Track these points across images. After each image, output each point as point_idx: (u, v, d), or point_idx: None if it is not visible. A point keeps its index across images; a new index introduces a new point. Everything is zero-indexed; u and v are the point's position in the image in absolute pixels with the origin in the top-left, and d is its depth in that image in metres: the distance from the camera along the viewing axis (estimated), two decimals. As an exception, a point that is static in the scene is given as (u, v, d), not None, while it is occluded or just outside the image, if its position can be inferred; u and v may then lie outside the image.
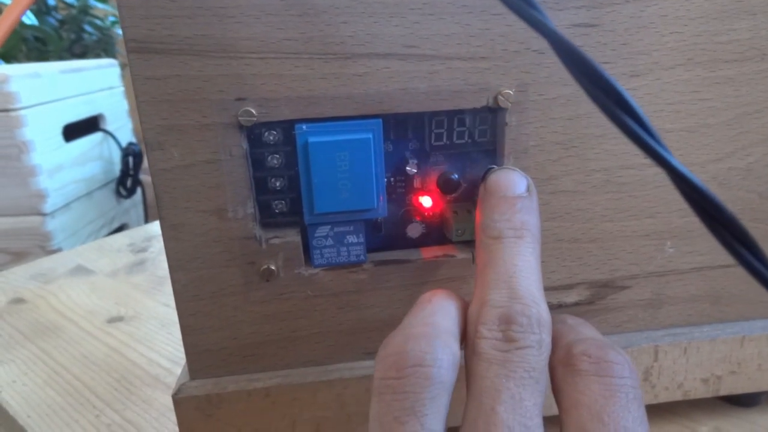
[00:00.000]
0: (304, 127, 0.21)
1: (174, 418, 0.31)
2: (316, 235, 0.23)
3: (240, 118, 0.21)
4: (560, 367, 0.18)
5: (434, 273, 0.24)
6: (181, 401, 0.24)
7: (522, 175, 0.22)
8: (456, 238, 0.24)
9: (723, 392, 0.27)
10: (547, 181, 0.24)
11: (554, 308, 0.26)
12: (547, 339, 0.18)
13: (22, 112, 0.67)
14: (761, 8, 0.22)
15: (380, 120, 0.22)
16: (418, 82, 0.22)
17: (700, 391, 0.27)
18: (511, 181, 0.21)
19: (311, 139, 0.21)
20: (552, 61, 0.22)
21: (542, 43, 0.21)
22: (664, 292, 0.26)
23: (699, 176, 0.24)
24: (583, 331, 0.20)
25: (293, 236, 0.23)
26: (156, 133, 0.21)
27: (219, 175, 0.22)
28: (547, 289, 0.25)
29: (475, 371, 0.17)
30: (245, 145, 0.22)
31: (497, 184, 0.22)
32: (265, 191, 0.23)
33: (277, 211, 0.23)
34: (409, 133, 0.23)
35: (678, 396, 0.27)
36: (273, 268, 0.23)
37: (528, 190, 0.21)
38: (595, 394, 0.17)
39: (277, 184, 0.23)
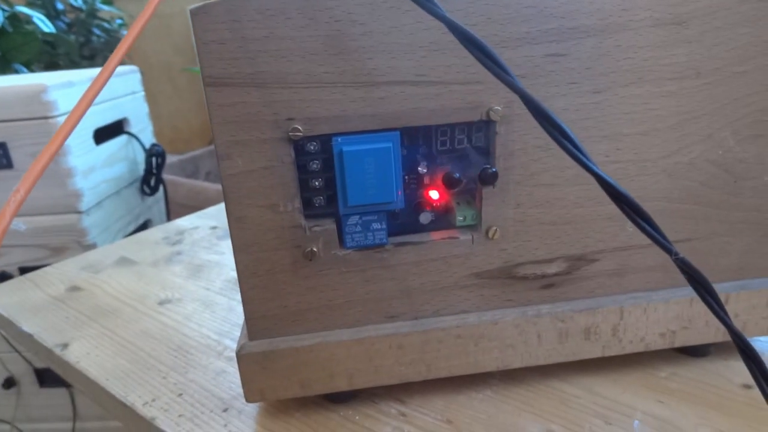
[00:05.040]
0: (339, 139, 0.28)
1: (228, 377, 0.37)
2: (348, 223, 0.29)
3: (289, 134, 0.27)
4: None
5: (441, 251, 0.31)
6: (243, 357, 0.30)
7: None
8: (458, 223, 0.30)
9: (678, 344, 0.34)
10: (530, 176, 0.30)
11: (538, 278, 0.32)
12: None
13: (60, 118, 0.73)
14: (695, 38, 0.28)
15: (398, 132, 0.28)
16: (427, 102, 0.28)
17: (659, 344, 0.33)
18: None
19: (345, 149, 0.27)
20: (530, 83, 0.28)
21: (523, 71, 0.27)
22: (627, 263, 0.32)
23: (651, 169, 0.30)
24: None
25: (330, 224, 0.29)
26: (225, 147, 0.27)
27: (273, 178, 0.28)
28: (533, 262, 0.31)
29: None
30: (293, 154, 0.28)
31: None
32: (308, 190, 0.29)
33: (317, 205, 0.29)
34: (420, 140, 0.30)
35: (641, 348, 0.33)
36: (315, 250, 0.29)
37: None
38: None
39: (317, 184, 0.29)
